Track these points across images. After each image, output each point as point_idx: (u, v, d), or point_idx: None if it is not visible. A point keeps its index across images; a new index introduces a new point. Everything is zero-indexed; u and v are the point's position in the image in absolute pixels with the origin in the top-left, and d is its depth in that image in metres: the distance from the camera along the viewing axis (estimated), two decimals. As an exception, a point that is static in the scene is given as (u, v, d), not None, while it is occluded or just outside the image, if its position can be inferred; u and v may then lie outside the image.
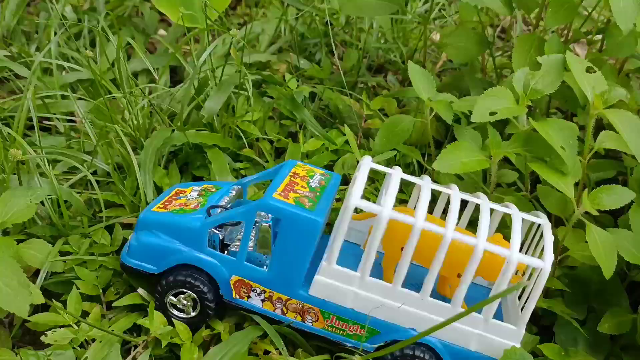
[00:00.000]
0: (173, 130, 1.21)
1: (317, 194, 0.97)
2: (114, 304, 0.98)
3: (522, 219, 0.93)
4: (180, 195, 1.04)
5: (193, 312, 0.97)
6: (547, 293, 1.11)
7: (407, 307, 0.92)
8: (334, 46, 1.60)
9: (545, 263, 0.88)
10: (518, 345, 0.91)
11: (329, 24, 1.69)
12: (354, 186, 0.91)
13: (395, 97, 1.49)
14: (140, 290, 0.99)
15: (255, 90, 1.48)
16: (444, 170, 0.98)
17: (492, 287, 0.93)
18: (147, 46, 1.81)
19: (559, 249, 1.08)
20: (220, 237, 0.98)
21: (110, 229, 1.12)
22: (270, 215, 0.96)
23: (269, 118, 1.43)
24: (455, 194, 0.94)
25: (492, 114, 0.99)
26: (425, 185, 0.94)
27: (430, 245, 0.91)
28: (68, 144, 1.28)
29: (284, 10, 1.78)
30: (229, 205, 1.02)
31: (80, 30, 1.69)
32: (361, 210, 1.13)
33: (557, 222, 1.11)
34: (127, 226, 1.13)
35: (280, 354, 0.93)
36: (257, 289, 0.95)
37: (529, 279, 0.94)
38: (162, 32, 1.88)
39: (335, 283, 0.92)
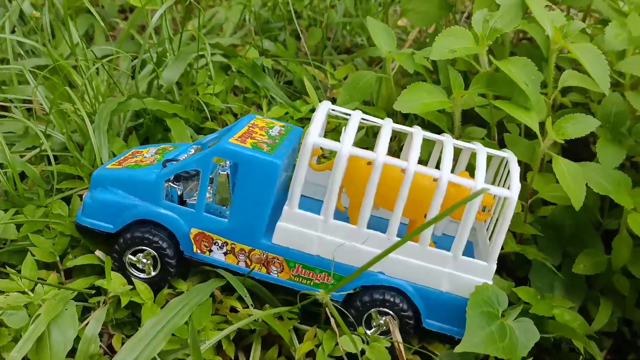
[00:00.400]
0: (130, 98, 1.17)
1: (277, 141, 0.94)
2: (68, 264, 0.94)
3: (488, 155, 0.91)
4: (137, 154, 1.01)
5: (154, 271, 0.93)
6: (520, 241, 1.09)
7: (373, 249, 0.88)
8: (297, 25, 1.58)
9: (512, 192, 0.86)
10: (490, 282, 0.88)
11: (290, 4, 1.67)
12: (312, 125, 0.88)
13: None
14: (98, 252, 0.95)
15: (218, 67, 1.45)
16: (404, 110, 0.96)
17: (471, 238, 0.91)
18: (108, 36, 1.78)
19: (528, 192, 1.05)
20: (179, 192, 0.94)
21: (68, 201, 1.08)
22: (227, 163, 0.92)
23: (232, 92, 1.41)
24: (417, 132, 0.91)
25: (451, 52, 0.97)
26: (386, 123, 0.92)
27: (395, 186, 0.88)
28: (25, 128, 1.24)
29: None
30: (187, 162, 0.98)
31: (39, 25, 1.66)
32: (323, 160, 1.11)
33: (526, 170, 1.09)
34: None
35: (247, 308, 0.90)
36: (218, 241, 0.91)
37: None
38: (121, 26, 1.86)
39: (298, 229, 0.89)
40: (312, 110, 1.36)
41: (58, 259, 0.98)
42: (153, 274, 0.93)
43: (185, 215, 0.91)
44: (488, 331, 0.81)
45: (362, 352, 0.87)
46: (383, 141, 0.87)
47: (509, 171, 0.92)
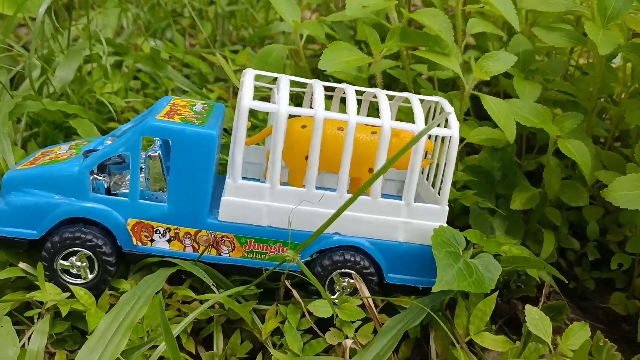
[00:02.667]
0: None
1: (204, 116, 0.88)
2: None
3: (420, 101, 0.91)
4: (48, 153, 0.91)
5: (91, 274, 0.84)
6: (455, 189, 1.10)
7: (326, 210, 0.85)
8: (194, 15, 1.52)
9: (453, 130, 0.86)
10: (444, 224, 0.88)
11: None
12: (243, 90, 0.83)
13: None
14: (22, 265, 0.85)
15: (111, 65, 1.36)
16: (329, 69, 0.94)
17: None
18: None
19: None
20: (105, 185, 0.86)
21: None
22: (157, 143, 0.86)
23: (130, 90, 1.33)
24: (348, 87, 0.90)
25: (364, 8, 0.97)
26: (316, 82, 0.89)
27: (334, 145, 0.86)
28: None
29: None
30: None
31: None
32: (251, 133, 1.06)
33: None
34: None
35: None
36: (159, 228, 0.84)
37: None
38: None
39: (245, 201, 0.84)
40: (221, 97, 1.32)
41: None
42: (90, 277, 0.84)
43: (119, 206, 0.83)
44: (457, 268, 0.80)
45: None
46: (319, 98, 0.84)
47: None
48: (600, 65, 0.99)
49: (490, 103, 0.93)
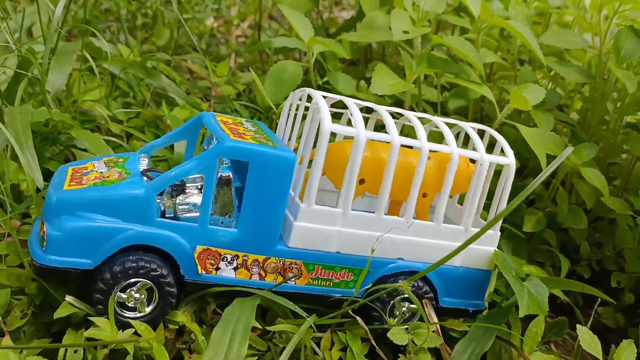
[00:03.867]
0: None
1: (264, 135, 0.84)
2: (56, 315, 0.73)
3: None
4: (84, 171, 0.82)
5: (148, 307, 0.77)
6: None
7: (392, 235, 0.85)
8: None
9: (510, 158, 0.89)
10: (496, 249, 0.91)
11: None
12: (323, 111, 0.81)
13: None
14: (69, 298, 0.75)
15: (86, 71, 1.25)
16: (381, 92, 0.94)
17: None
18: None
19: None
20: (162, 208, 0.79)
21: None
22: (226, 164, 0.80)
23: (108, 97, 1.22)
24: (409, 113, 0.90)
25: (405, 33, 0.98)
26: (380, 107, 0.89)
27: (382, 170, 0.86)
28: None
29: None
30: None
31: None
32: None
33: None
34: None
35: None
36: (227, 256, 0.79)
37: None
38: None
39: (317, 226, 0.81)
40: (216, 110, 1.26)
41: (1, 319, 0.75)
42: (148, 310, 0.77)
43: (187, 232, 0.77)
44: (527, 291, 0.83)
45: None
46: (391, 122, 0.84)
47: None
48: (603, 100, 1.08)
49: (527, 132, 0.98)
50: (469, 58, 1.00)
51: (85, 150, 1.04)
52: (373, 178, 0.87)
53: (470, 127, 0.92)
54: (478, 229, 0.88)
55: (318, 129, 0.85)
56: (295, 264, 0.82)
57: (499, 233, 0.91)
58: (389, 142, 0.82)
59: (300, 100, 0.94)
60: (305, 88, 0.89)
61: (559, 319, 1.00)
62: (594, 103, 1.11)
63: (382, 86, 0.95)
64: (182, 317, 0.80)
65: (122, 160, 0.85)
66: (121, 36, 1.58)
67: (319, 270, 0.83)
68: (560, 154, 0.98)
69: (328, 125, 0.79)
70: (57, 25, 0.99)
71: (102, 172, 0.81)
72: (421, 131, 0.85)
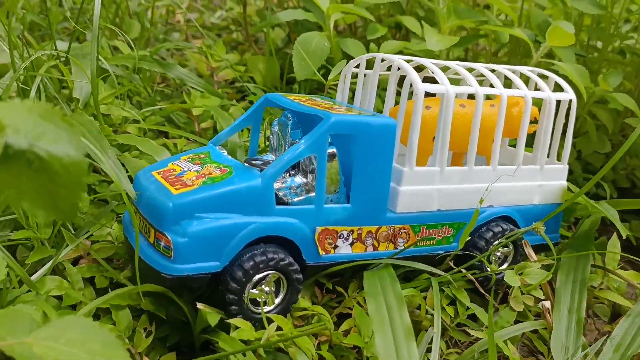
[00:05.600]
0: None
1: (351, 107, 0.83)
2: (212, 322, 0.69)
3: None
4: (176, 173, 0.77)
5: (277, 297, 0.75)
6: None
7: (480, 184, 0.87)
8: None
9: (571, 94, 0.93)
10: (565, 182, 0.95)
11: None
12: (410, 74, 0.81)
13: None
14: (200, 305, 0.72)
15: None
16: (436, 48, 0.95)
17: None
18: None
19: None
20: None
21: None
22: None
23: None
24: (477, 64, 0.91)
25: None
26: (450, 62, 0.89)
27: (460, 125, 0.87)
28: None
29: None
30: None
31: None
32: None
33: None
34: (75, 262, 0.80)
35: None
36: (343, 232, 0.78)
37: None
38: None
39: (420, 188, 0.82)
40: (246, 100, 1.22)
41: (127, 341, 0.71)
42: (277, 301, 0.75)
43: (305, 216, 0.75)
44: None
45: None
46: (468, 76, 0.85)
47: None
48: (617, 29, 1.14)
49: (566, 68, 1.02)
50: (500, 4, 1.02)
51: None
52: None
53: (527, 70, 0.95)
54: (553, 165, 0.92)
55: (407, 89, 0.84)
56: (404, 229, 0.82)
57: (567, 166, 0.95)
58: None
59: (357, 67, 0.93)
60: (376, 53, 0.88)
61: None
62: (603, 34, 1.17)
63: (437, 43, 0.95)
64: (308, 302, 0.78)
65: (203, 155, 0.82)
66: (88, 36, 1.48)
67: (424, 231, 0.84)
68: (588, 85, 1.03)
69: (421, 85, 0.79)
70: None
71: (197, 170, 0.77)
72: (495, 79, 0.87)
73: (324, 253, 0.77)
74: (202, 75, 1.35)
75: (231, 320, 0.70)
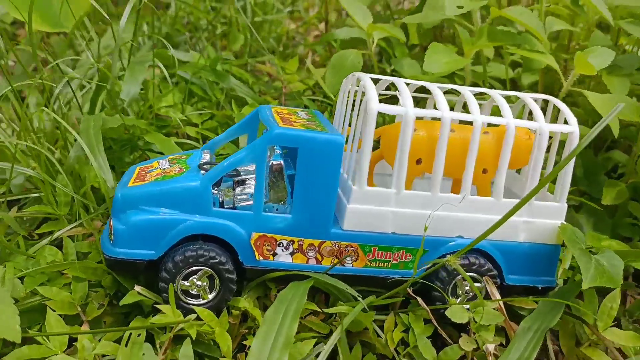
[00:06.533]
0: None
1: (316, 122, 0.86)
2: (121, 302, 0.78)
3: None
4: (149, 169, 0.87)
5: (211, 293, 0.80)
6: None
7: (449, 213, 0.83)
8: (219, 28, 1.49)
9: (573, 126, 0.85)
10: (561, 222, 0.87)
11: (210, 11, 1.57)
12: (370, 91, 0.81)
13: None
14: (138, 288, 0.80)
15: (162, 79, 1.32)
16: (435, 71, 0.93)
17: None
18: None
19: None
20: (220, 199, 0.82)
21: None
22: (276, 153, 0.82)
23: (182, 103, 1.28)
24: (463, 88, 0.88)
25: (459, 8, 0.96)
26: (431, 84, 0.87)
27: (449, 150, 0.84)
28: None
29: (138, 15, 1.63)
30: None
31: None
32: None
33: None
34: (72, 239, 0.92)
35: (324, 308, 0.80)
36: (283, 241, 0.81)
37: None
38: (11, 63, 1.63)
39: (370, 208, 0.82)
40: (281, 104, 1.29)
41: (80, 309, 0.81)
42: (210, 297, 0.80)
43: (243, 220, 0.80)
44: (595, 264, 0.79)
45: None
46: (441, 98, 0.83)
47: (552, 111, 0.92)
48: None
49: (594, 98, 0.93)
50: (527, 26, 0.96)
51: (161, 153, 1.10)
52: (431, 158, 0.86)
53: (530, 97, 0.89)
54: (544, 202, 0.85)
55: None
56: (351, 247, 0.82)
57: (566, 205, 0.87)
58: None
59: (352, 85, 0.94)
60: (355, 72, 0.89)
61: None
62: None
63: (437, 64, 0.93)
64: (245, 302, 0.82)
65: (185, 157, 0.90)
66: (200, 45, 1.65)
67: (376, 252, 0.83)
68: (637, 119, 0.92)
69: (375, 105, 0.80)
70: (129, 40, 1.05)
71: (164, 168, 0.85)
72: (473, 104, 0.83)
73: (261, 258, 0.81)
74: (279, 86, 1.43)
75: (158, 305, 0.78)
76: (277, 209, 0.82)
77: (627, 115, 0.96)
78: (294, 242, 0.81)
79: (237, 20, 1.72)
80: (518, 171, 0.98)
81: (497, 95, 0.87)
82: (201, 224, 0.78)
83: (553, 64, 0.96)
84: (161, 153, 1.11)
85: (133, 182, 0.82)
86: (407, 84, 0.91)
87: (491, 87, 1.13)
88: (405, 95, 0.82)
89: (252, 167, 0.86)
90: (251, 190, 0.82)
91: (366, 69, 1.18)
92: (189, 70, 1.25)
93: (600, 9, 0.96)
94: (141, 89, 1.21)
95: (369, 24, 1.10)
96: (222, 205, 0.82)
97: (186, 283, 0.79)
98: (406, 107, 0.80)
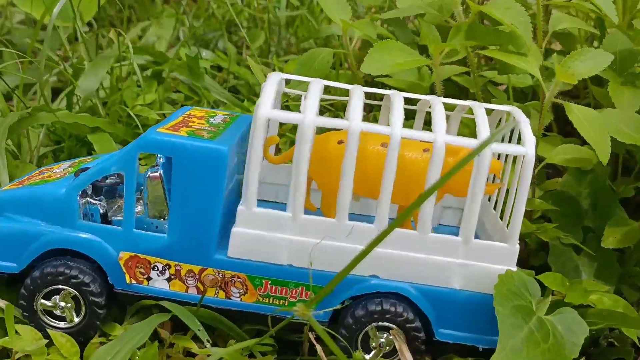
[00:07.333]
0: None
1: (220, 128, 0.73)
2: None
3: (487, 110, 0.73)
4: (46, 171, 0.79)
5: (77, 316, 0.70)
6: (530, 221, 0.90)
7: (359, 246, 0.68)
8: (241, 28, 1.39)
9: (528, 147, 0.67)
10: (514, 268, 0.69)
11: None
12: (263, 96, 0.68)
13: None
14: (1, 303, 0.72)
15: (149, 76, 1.25)
16: (373, 72, 0.78)
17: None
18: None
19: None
20: (101, 210, 0.72)
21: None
22: (160, 161, 0.71)
23: (168, 103, 1.20)
24: (395, 93, 0.72)
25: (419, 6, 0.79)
26: (356, 88, 0.72)
27: (379, 166, 0.69)
28: None
29: (178, 10, 1.58)
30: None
31: None
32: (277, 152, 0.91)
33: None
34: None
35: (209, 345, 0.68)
36: (158, 264, 0.70)
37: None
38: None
39: (260, 233, 0.68)
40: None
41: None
42: (76, 320, 0.70)
43: (111, 236, 0.69)
44: (527, 331, 0.61)
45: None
46: (356, 105, 0.67)
47: (512, 129, 0.73)
48: None
49: (577, 113, 0.73)
50: (506, 24, 0.78)
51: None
52: (357, 176, 0.72)
53: (483, 109, 0.71)
54: (487, 243, 0.68)
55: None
56: (238, 277, 0.69)
57: (517, 247, 0.69)
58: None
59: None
60: (274, 73, 0.76)
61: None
62: None
63: (379, 65, 0.77)
64: (121, 330, 0.72)
65: (91, 160, 0.81)
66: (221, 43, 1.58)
67: (268, 286, 0.69)
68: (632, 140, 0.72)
69: (264, 111, 0.66)
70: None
71: (56, 172, 0.77)
72: (396, 116, 0.67)
73: (134, 282, 0.70)
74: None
75: (10, 324, 0.69)
76: (157, 227, 0.71)
77: (627, 136, 0.75)
78: (170, 266, 0.70)
79: (260, 18, 1.63)
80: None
81: (438, 104, 0.70)
82: (61, 237, 0.69)
83: (534, 70, 0.76)
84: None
85: (12, 186, 0.74)
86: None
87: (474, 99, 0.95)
88: (310, 99, 0.67)
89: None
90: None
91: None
92: (167, 67, 1.17)
93: (601, 5, 0.75)
94: (119, 88, 1.15)
95: (343, 21, 0.96)
96: (104, 217, 0.72)
97: (48, 303, 0.70)
98: (305, 114, 0.66)
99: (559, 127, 1.01)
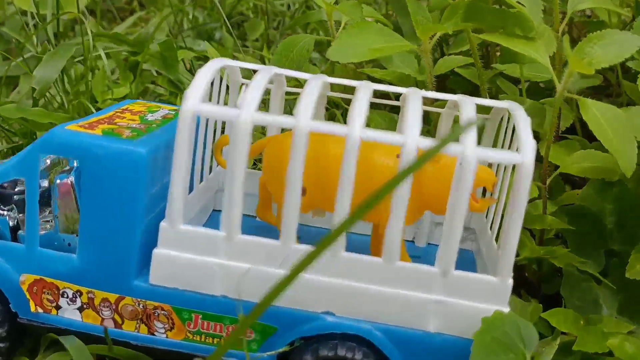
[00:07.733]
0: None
1: (152, 126, 0.61)
2: None
3: (479, 107, 0.58)
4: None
5: (-22, 349, 0.59)
6: (541, 242, 0.75)
7: (313, 276, 0.54)
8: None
9: (524, 154, 0.52)
10: (505, 309, 0.54)
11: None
12: (192, 86, 0.55)
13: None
14: None
15: (126, 67, 1.14)
16: (341, 60, 0.64)
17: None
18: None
19: (544, 170, 0.72)
20: (10, 222, 0.61)
21: None
22: (74, 166, 0.59)
23: (143, 95, 1.09)
24: (364, 84, 0.58)
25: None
26: (315, 77, 0.59)
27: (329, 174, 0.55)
28: None
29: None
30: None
31: None
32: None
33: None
34: None
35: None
36: (67, 290, 0.57)
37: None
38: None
39: (188, 256, 0.55)
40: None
41: None
42: (-25, 354, 0.59)
43: (11, 256, 0.57)
44: (513, 396, 0.46)
45: None
46: (306, 100, 0.54)
47: (513, 128, 0.59)
48: None
49: (595, 111, 0.58)
50: (513, 3, 0.63)
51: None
52: (319, 187, 0.58)
53: (472, 103, 0.57)
54: (472, 275, 0.53)
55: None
56: (162, 310, 0.56)
57: (510, 282, 0.54)
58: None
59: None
60: (216, 59, 0.62)
61: None
62: None
63: (348, 51, 0.63)
64: (28, 363, 0.60)
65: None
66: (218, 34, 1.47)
67: (199, 321, 0.56)
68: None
69: (191, 103, 0.53)
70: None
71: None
72: (356, 112, 0.53)
73: (40, 311, 0.58)
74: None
75: None
76: (69, 244, 0.59)
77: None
78: (81, 293, 0.57)
79: (261, 8, 1.52)
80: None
81: (414, 99, 0.56)
82: (-52, 256, 0.57)
83: (541, 57, 0.61)
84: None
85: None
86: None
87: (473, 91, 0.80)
88: (250, 91, 0.54)
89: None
90: (46, 212, 0.60)
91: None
92: (140, 59, 1.05)
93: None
94: (90, 80, 1.04)
95: (325, 2, 0.82)
96: (13, 230, 0.61)
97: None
98: (241, 109, 0.52)
99: (585, 130, 0.85)
